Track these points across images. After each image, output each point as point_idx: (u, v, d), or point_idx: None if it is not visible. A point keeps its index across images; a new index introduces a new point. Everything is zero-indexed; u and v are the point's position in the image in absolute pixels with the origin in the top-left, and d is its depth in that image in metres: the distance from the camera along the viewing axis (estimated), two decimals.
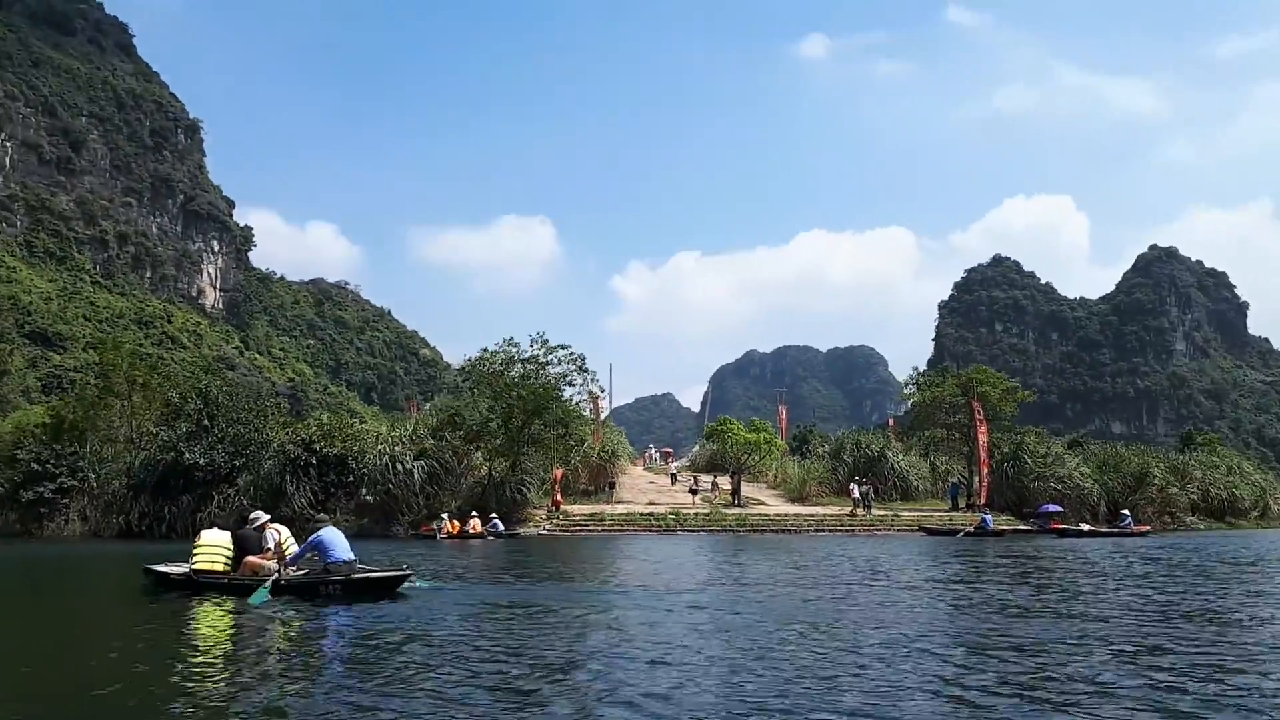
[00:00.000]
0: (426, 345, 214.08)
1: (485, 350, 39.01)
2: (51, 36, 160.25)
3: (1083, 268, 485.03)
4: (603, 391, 45.06)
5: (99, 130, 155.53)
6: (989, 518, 37.44)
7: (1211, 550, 24.76)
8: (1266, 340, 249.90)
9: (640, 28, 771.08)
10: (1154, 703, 5.79)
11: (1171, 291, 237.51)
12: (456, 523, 32.22)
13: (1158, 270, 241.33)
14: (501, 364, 38.31)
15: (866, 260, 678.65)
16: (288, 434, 37.31)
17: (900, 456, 47.10)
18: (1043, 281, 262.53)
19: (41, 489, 34.78)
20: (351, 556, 12.74)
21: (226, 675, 7.21)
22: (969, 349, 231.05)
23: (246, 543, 13.48)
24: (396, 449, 35.60)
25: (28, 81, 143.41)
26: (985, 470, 42.61)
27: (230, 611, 11.12)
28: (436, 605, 11.49)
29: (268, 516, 14.33)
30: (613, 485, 41.61)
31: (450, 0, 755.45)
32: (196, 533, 15.32)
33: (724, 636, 8.88)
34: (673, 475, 47.52)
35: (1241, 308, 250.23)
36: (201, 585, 13.00)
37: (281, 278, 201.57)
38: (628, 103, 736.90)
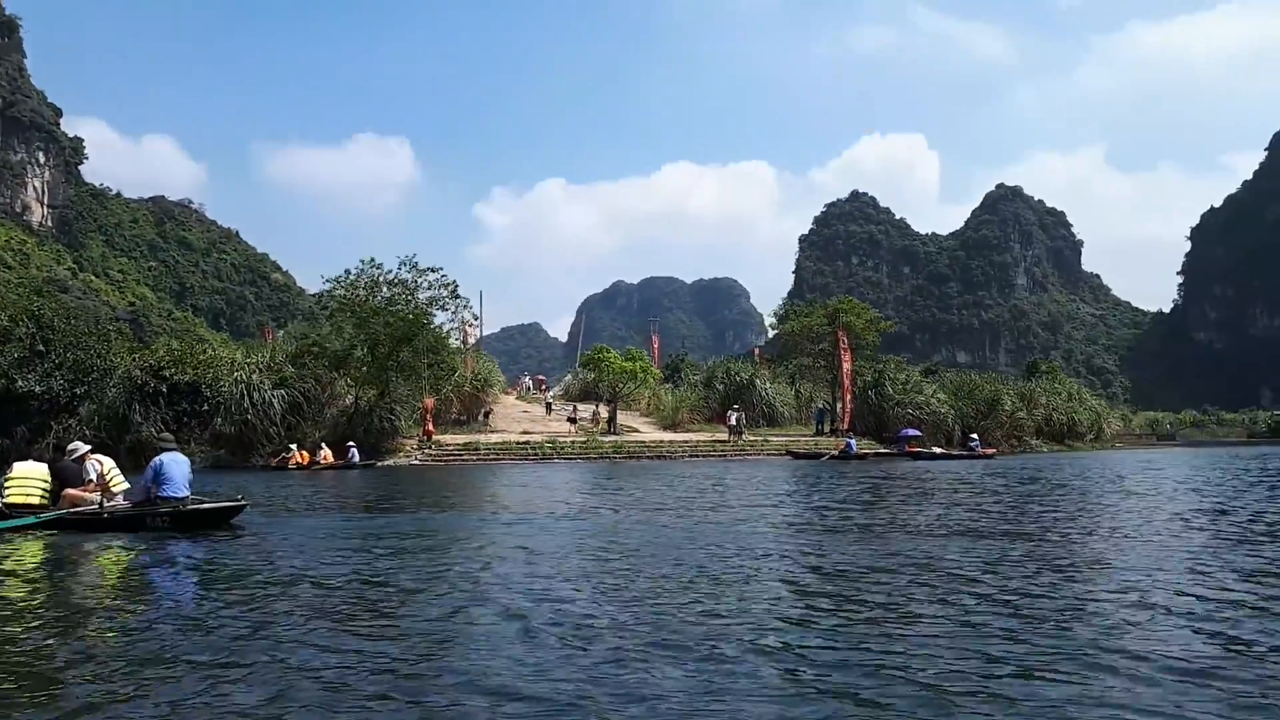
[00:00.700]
0: (278, 269, 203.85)
1: (347, 273, 37.12)
2: None
3: (933, 205, 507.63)
4: (476, 319, 43.99)
5: None
6: (853, 442, 38.93)
7: (1045, 469, 27.03)
8: (1098, 276, 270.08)
9: None
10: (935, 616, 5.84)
11: (1015, 229, 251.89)
12: (305, 453, 31.06)
13: (1004, 208, 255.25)
14: (366, 288, 36.63)
15: (730, 194, 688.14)
16: (134, 360, 34.68)
17: (768, 384, 48.26)
18: (897, 217, 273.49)
19: None
20: (186, 493, 11.89)
21: (35, 618, 6.39)
22: (827, 281, 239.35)
23: (65, 474, 12.39)
24: (254, 377, 33.70)
25: None
26: (849, 397, 44.26)
27: (47, 547, 10.28)
28: (280, 537, 10.93)
29: (88, 447, 13.13)
30: (488, 414, 40.86)
31: None
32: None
33: (588, 559, 8.74)
34: (548, 404, 47.10)
35: (1076, 245, 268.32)
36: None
37: (118, 194, 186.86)
38: (493, 22, 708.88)
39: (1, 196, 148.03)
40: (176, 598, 7.22)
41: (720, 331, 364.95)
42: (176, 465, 11.95)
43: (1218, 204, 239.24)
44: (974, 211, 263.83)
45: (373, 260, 36.91)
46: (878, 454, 39.47)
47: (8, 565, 8.95)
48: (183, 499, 11.75)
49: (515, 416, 43.91)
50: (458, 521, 12.87)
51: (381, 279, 36.79)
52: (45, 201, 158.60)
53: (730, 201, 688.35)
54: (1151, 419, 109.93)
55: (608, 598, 6.65)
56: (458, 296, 37.95)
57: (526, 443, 36.50)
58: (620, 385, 43.42)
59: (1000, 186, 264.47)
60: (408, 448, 34.73)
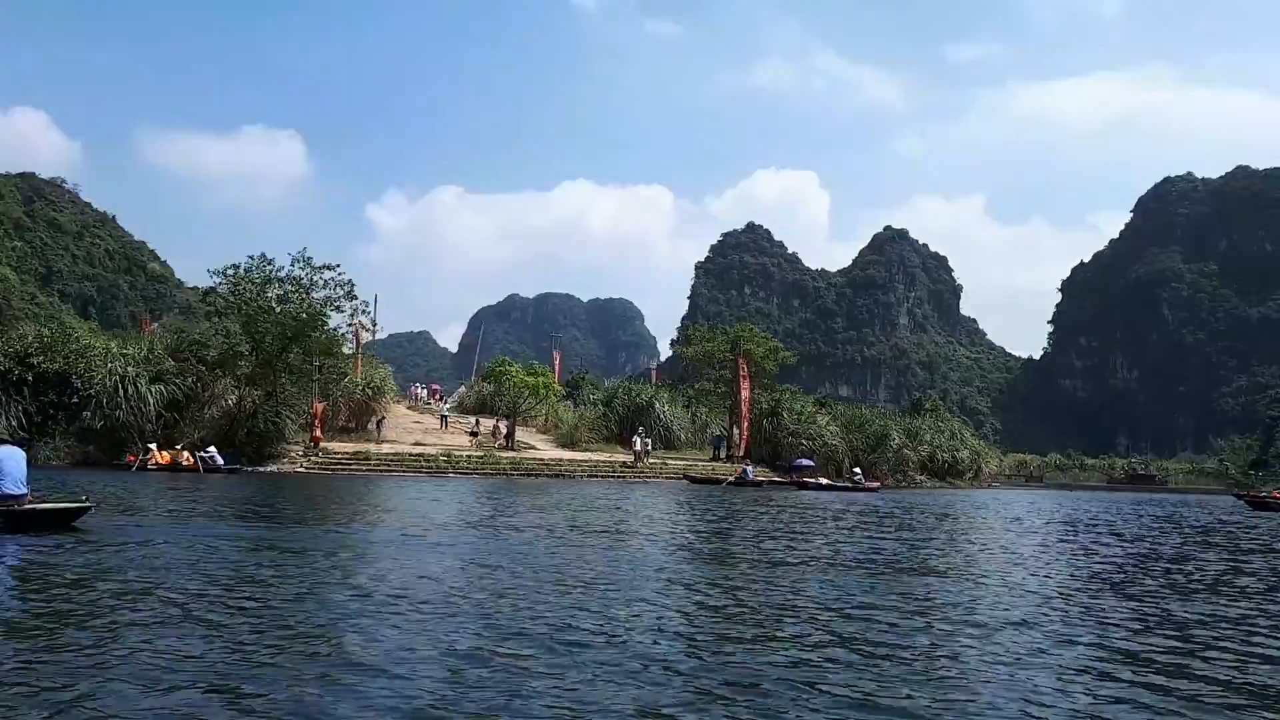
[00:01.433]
0: (156, 259, 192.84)
1: (236, 268, 35.25)
2: None
3: (823, 239, 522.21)
4: (375, 324, 42.45)
5: None
6: (749, 469, 39.28)
7: (923, 504, 28.15)
8: (974, 321, 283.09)
9: None
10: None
11: (900, 270, 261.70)
12: (167, 454, 29.29)
13: (890, 249, 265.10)
14: (258, 284, 34.89)
15: (628, 215, 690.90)
16: None
17: (666, 407, 48.27)
18: (790, 251, 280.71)
19: None
20: (23, 490, 10.93)
21: None
22: (721, 309, 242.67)
23: None
24: (130, 369, 31.50)
25: None
26: (746, 424, 44.74)
27: None
28: (130, 543, 10.22)
29: None
30: (380, 422, 39.30)
31: None
32: None
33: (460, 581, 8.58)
34: (443, 417, 45.61)
35: (956, 290, 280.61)
36: None
37: None
38: (395, 22, 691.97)
39: None
40: (28, 606, 6.64)
41: (613, 351, 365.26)
42: (12, 460, 10.99)
43: (1086, 259, 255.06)
44: (861, 251, 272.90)
45: (264, 256, 35.31)
46: (773, 481, 39.88)
47: None
48: (19, 497, 10.82)
49: (407, 427, 42.43)
50: (336, 537, 12.25)
51: (274, 275, 35.19)
52: None
53: (628, 223, 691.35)
54: (1020, 460, 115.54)
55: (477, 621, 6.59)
56: (354, 297, 36.66)
57: (420, 455, 35.28)
58: (521, 400, 42.59)
59: (888, 228, 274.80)
60: (293, 454, 33.08)
